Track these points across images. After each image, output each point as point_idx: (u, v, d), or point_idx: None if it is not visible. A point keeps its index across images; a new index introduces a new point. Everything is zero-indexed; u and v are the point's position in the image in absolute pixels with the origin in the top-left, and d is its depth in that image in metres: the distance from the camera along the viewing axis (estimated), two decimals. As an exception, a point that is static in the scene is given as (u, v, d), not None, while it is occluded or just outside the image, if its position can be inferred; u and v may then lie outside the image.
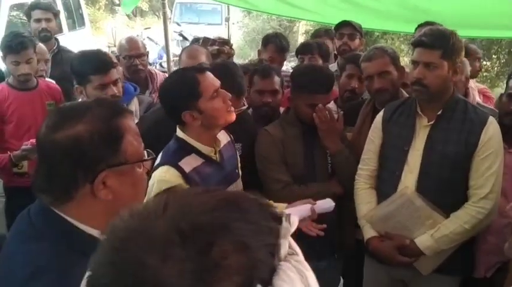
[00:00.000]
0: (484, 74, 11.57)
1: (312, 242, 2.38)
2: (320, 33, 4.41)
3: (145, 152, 1.24)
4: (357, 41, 3.75)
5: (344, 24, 3.81)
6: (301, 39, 15.69)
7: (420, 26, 3.42)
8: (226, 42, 3.82)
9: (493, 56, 11.74)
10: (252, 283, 0.56)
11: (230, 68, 2.42)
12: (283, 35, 3.94)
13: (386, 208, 2.30)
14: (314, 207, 2.13)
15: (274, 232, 0.62)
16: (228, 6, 15.69)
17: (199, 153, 2.00)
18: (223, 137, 2.19)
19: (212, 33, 16.35)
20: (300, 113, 2.52)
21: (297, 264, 0.62)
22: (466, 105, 2.29)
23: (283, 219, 0.64)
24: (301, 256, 0.65)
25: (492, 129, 2.21)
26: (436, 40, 2.20)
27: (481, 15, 4.25)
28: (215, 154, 2.07)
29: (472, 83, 3.50)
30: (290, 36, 16.28)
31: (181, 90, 1.96)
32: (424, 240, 2.24)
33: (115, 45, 8.69)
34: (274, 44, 3.78)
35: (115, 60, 2.65)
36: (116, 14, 25.86)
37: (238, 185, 2.18)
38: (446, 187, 2.24)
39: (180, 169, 1.91)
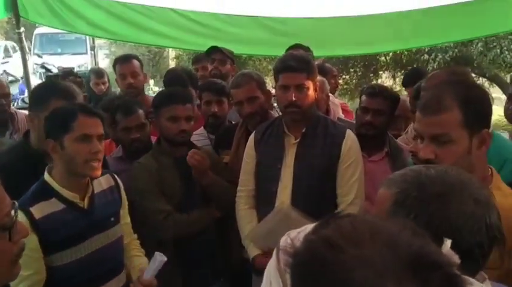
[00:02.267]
0: (344, 87, 12.56)
1: (190, 272, 2.41)
2: (201, 56, 4.47)
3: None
4: (228, 66, 3.86)
5: (214, 50, 3.91)
6: (172, 64, 15.70)
7: (291, 47, 3.63)
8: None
9: (350, 69, 12.78)
10: None
11: None
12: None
13: (266, 224, 2.38)
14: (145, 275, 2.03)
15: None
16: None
17: (61, 198, 1.93)
18: (105, 182, 2.13)
19: (77, 62, 15.71)
20: (164, 130, 2.56)
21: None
22: (327, 121, 2.49)
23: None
24: None
25: (350, 140, 2.42)
26: (300, 63, 2.36)
27: (338, 34, 4.62)
28: (83, 200, 2.00)
29: (335, 100, 3.80)
30: (160, 61, 16.24)
31: (56, 117, 1.94)
32: None
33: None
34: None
35: None
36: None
37: (111, 233, 2.10)
38: (317, 198, 2.39)
39: (28, 214, 1.82)
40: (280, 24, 4.61)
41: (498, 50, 8.73)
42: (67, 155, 1.89)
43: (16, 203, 1.13)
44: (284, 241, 1.18)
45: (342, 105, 3.90)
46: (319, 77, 2.95)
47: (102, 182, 2.11)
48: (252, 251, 2.47)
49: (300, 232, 1.15)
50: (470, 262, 0.98)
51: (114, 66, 3.77)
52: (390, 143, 2.71)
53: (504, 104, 2.60)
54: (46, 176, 1.95)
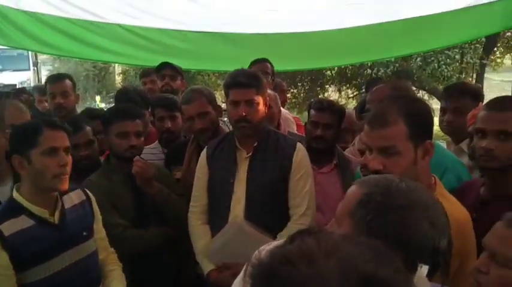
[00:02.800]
0: (293, 100, 12.80)
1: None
2: (149, 70, 4.45)
3: None
4: (179, 81, 3.88)
5: (165, 65, 3.92)
6: (118, 79, 15.47)
7: (254, 61, 3.69)
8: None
9: (298, 84, 13.05)
10: None
11: None
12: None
13: (220, 239, 2.39)
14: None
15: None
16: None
17: (30, 214, 1.92)
18: (76, 197, 2.13)
19: (19, 79, 15.17)
20: (113, 147, 2.57)
21: None
22: (277, 135, 2.55)
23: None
24: None
25: (301, 153, 2.48)
26: (250, 79, 2.41)
27: (285, 50, 4.73)
28: (53, 215, 1.99)
29: (287, 114, 3.87)
30: (106, 77, 15.96)
31: (21, 132, 1.95)
32: None
33: None
34: None
35: None
36: None
37: (84, 248, 2.09)
38: (270, 210, 2.43)
39: None
40: (229, 40, 4.67)
41: (436, 65, 9.21)
42: (35, 170, 1.90)
43: None
44: (254, 254, 1.20)
45: (295, 120, 3.98)
46: (271, 92, 3.03)
47: (73, 197, 2.11)
48: (207, 267, 2.47)
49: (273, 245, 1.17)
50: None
51: (45, 86, 3.70)
52: (339, 155, 2.80)
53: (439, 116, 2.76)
54: (14, 193, 1.95)
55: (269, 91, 3.13)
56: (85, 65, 15.00)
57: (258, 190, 2.41)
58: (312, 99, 3.91)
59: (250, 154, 2.45)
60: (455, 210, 1.52)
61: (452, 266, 1.29)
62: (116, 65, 15.77)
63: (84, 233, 2.09)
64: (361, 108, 2.66)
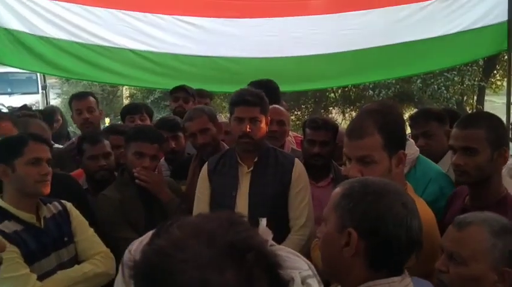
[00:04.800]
0: (297, 122, 12.97)
1: None
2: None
3: None
4: (191, 103, 4.05)
5: (179, 88, 4.13)
6: (126, 102, 15.72)
7: (252, 83, 3.86)
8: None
9: (302, 106, 13.23)
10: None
11: None
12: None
13: None
14: None
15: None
16: (43, 74, 15.12)
17: (18, 219, 2.08)
18: (53, 208, 2.27)
19: (28, 102, 15.41)
20: (129, 164, 2.69)
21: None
22: (276, 152, 2.69)
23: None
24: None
25: (299, 168, 2.64)
26: (255, 98, 2.57)
27: (285, 72, 4.93)
28: (38, 220, 2.15)
29: (290, 133, 4.00)
30: (114, 100, 16.23)
31: (7, 143, 2.14)
32: None
33: None
34: None
35: None
36: None
37: (67, 252, 2.23)
38: (271, 223, 2.55)
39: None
40: (233, 64, 4.88)
41: (435, 87, 9.39)
42: (18, 177, 2.08)
43: None
44: (126, 255, 1.31)
45: (297, 138, 4.12)
46: (285, 112, 3.20)
47: (51, 208, 2.26)
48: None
49: (140, 243, 1.28)
50: (389, 254, 1.23)
51: (70, 103, 3.92)
52: (335, 170, 2.94)
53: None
54: (0, 201, 2.11)
55: (284, 110, 3.33)
56: (93, 89, 15.23)
57: (260, 203, 2.53)
58: (306, 118, 4.04)
59: (251, 169, 2.59)
60: (422, 212, 1.68)
61: (430, 263, 1.46)
62: (124, 88, 16.08)
63: (65, 239, 2.24)
64: None
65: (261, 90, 2.73)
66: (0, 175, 2.09)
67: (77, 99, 3.84)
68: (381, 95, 9.71)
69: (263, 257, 0.79)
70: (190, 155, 3.24)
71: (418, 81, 9.42)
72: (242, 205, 2.56)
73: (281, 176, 2.60)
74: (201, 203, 2.66)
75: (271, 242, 0.94)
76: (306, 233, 2.55)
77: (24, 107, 4.35)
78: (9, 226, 2.02)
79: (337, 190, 1.32)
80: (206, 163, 2.75)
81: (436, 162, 2.66)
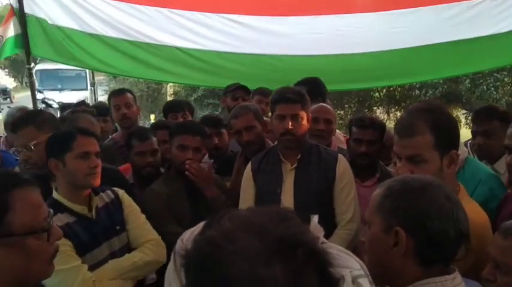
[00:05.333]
0: (340, 122, 12.83)
1: None
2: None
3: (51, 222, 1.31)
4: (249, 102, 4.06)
5: (238, 87, 4.23)
6: (170, 99, 16.02)
7: (300, 83, 3.82)
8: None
9: (345, 105, 13.08)
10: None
11: None
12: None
13: None
14: None
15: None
16: (93, 71, 15.57)
17: (70, 211, 2.15)
18: (106, 197, 2.33)
19: (77, 98, 15.92)
20: (172, 157, 2.75)
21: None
22: (318, 148, 2.69)
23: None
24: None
25: (343, 164, 2.64)
26: (296, 96, 2.59)
27: (329, 71, 4.89)
28: (90, 211, 2.22)
29: (338, 134, 3.94)
30: (158, 98, 16.56)
31: (57, 139, 2.22)
32: None
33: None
34: None
35: None
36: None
37: (119, 240, 2.28)
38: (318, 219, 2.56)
39: None
40: (279, 62, 4.88)
41: (485, 87, 9.08)
42: (69, 171, 2.15)
43: (51, 210, 1.35)
44: (178, 244, 1.33)
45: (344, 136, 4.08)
46: (332, 110, 3.22)
47: (104, 197, 2.32)
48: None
49: (192, 233, 1.30)
50: (437, 249, 1.22)
51: (109, 99, 4.07)
52: (381, 169, 2.91)
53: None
54: (54, 194, 2.19)
55: (331, 108, 3.32)
56: (139, 86, 15.63)
57: (305, 200, 2.54)
58: (353, 117, 3.99)
59: (295, 166, 2.61)
60: (476, 214, 1.65)
61: (468, 262, 1.43)
62: (168, 86, 16.36)
63: (117, 227, 2.30)
64: None
65: (301, 88, 2.73)
66: (52, 169, 2.17)
67: (115, 95, 3.99)
68: (428, 95, 9.48)
69: (313, 254, 0.79)
70: (234, 152, 3.27)
71: (467, 82, 9.13)
72: (287, 202, 2.57)
73: (325, 173, 2.60)
74: (246, 202, 2.68)
75: (322, 239, 0.93)
76: (354, 227, 2.55)
77: (83, 102, 4.53)
78: (61, 219, 2.08)
79: (377, 191, 1.32)
80: (250, 161, 2.77)
81: (493, 163, 2.59)
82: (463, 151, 2.41)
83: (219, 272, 0.76)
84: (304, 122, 2.60)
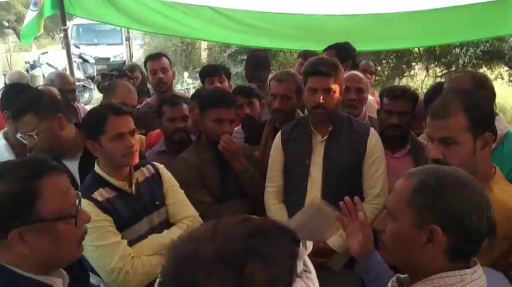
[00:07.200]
0: (376, 79, 12.50)
1: None
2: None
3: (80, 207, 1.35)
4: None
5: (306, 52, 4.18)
6: (204, 54, 15.92)
7: (330, 47, 3.76)
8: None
9: (383, 61, 12.70)
10: None
11: None
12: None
13: (299, 218, 2.48)
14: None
15: (294, 254, 0.84)
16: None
17: (112, 186, 2.16)
18: (147, 171, 2.34)
19: (113, 53, 15.96)
20: (208, 130, 2.72)
21: (307, 281, 0.84)
22: (350, 121, 2.64)
23: (301, 243, 0.87)
24: (313, 273, 0.87)
25: (374, 138, 2.58)
26: (329, 68, 2.50)
27: (367, 30, 4.76)
28: (130, 186, 2.22)
29: (371, 101, 3.87)
30: (193, 52, 16.48)
31: (90, 120, 2.22)
32: (335, 240, 2.50)
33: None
34: None
35: None
36: (7, 37, 24.45)
37: (158, 216, 2.30)
38: (345, 192, 2.49)
39: (92, 199, 2.07)
40: (313, 21, 4.78)
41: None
42: (106, 152, 2.15)
43: (79, 193, 1.38)
44: None
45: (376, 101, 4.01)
46: (365, 79, 3.13)
47: (144, 171, 2.33)
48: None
49: None
50: (469, 245, 1.20)
51: (145, 63, 4.07)
52: (412, 141, 2.84)
53: None
54: (96, 168, 2.19)
55: (363, 77, 3.23)
56: (173, 41, 15.54)
57: (334, 172, 2.53)
58: (388, 74, 3.89)
59: (325, 138, 2.57)
60: (509, 198, 1.59)
61: (500, 249, 1.40)
62: (202, 41, 16.25)
63: (157, 203, 2.30)
64: (430, 97, 2.66)
65: (336, 59, 2.65)
66: (91, 149, 2.18)
67: (152, 60, 3.98)
68: (469, 53, 9.08)
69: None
70: (263, 121, 3.24)
71: (511, 40, 8.69)
72: (316, 174, 2.56)
73: (356, 146, 2.56)
74: (274, 171, 2.68)
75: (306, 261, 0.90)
76: (381, 202, 2.52)
77: (124, 74, 4.53)
78: (103, 193, 2.10)
79: (406, 183, 1.26)
80: (280, 131, 2.74)
81: None
82: (504, 126, 2.31)
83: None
84: (337, 95, 2.53)
